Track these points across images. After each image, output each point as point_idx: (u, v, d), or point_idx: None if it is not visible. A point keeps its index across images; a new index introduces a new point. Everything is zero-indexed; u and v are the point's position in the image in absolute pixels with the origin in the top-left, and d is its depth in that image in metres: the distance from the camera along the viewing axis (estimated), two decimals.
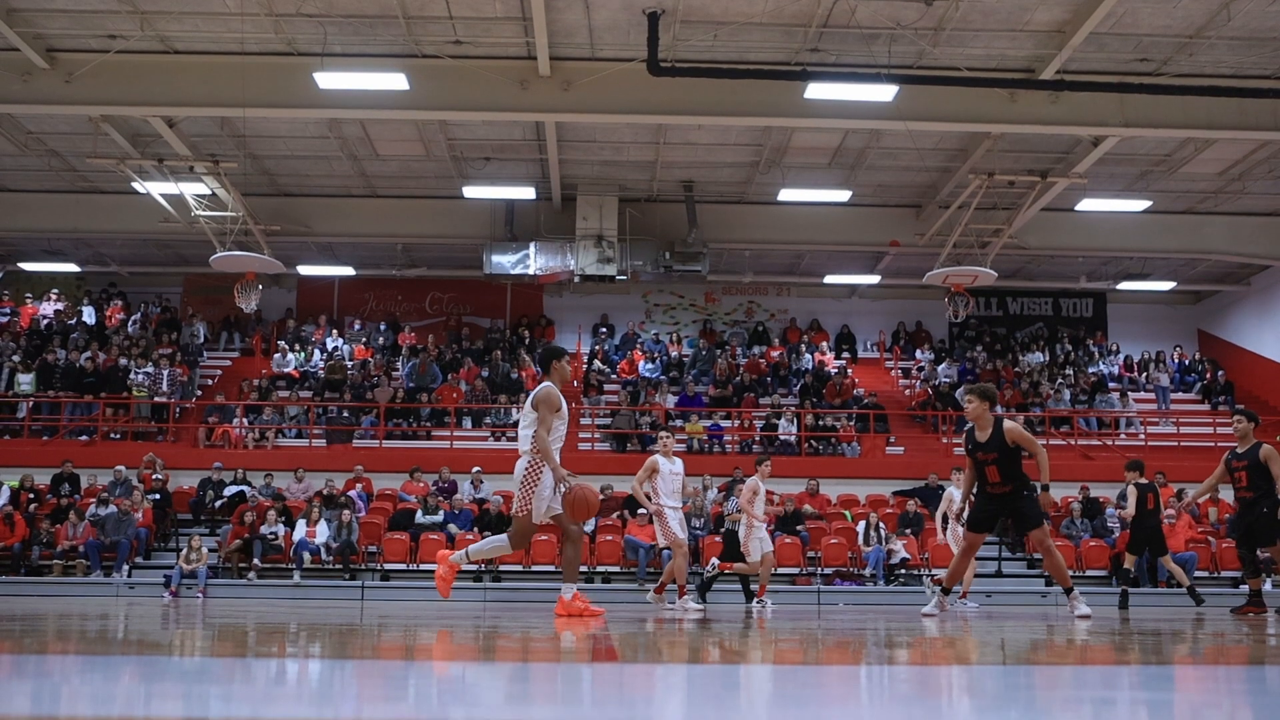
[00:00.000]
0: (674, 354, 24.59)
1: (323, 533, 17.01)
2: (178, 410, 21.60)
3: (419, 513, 17.89)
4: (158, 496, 18.14)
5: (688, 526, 17.32)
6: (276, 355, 23.65)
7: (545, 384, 7.78)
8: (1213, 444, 21.33)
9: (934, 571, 15.14)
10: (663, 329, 25.92)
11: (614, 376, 23.83)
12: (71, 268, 24.75)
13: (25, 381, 21.58)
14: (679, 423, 21.76)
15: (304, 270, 24.38)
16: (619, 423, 21.69)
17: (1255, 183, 20.07)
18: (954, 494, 13.50)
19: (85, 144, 18.05)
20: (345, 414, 21.66)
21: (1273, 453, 9.84)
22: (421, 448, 20.91)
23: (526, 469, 7.70)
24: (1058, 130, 17.04)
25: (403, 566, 17.19)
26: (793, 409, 22.21)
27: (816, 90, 15.55)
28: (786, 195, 20.77)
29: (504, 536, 7.84)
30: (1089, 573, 17.73)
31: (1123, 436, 23.05)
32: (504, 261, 21.13)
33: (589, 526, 17.94)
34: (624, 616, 8.05)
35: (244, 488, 18.58)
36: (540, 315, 26.04)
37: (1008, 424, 8.52)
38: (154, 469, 18.85)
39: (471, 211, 21.42)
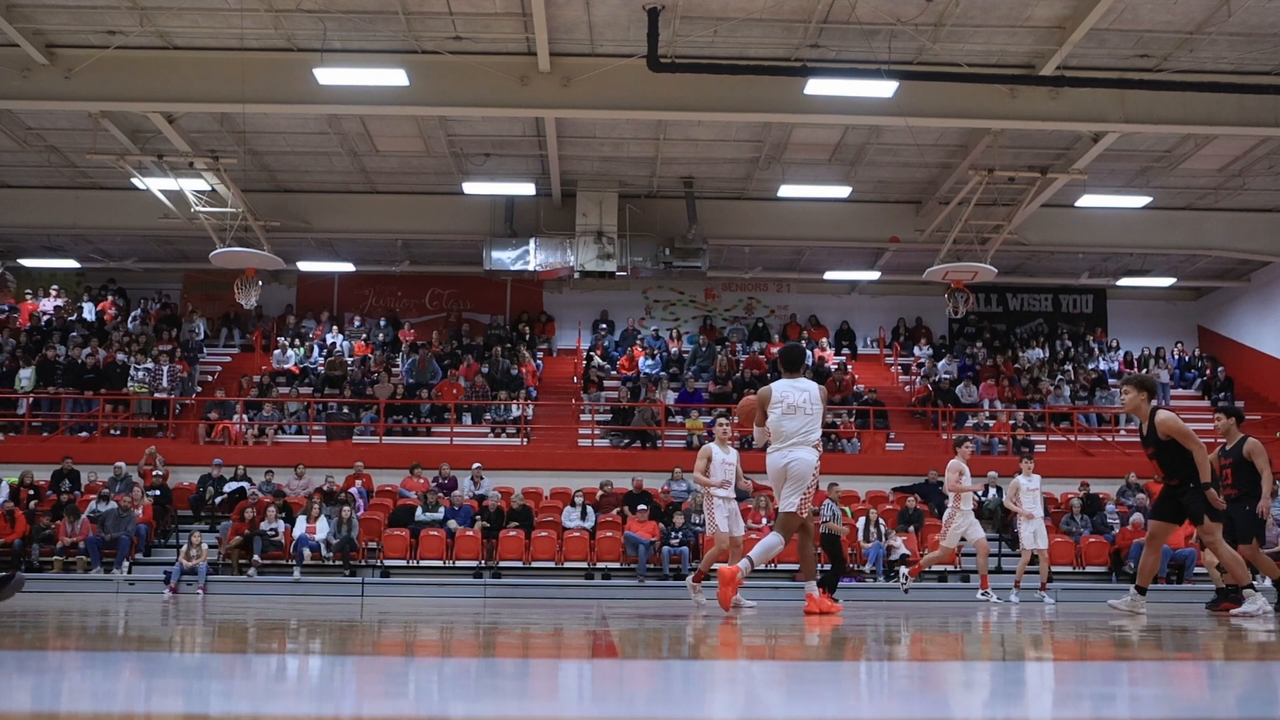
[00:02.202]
0: (674, 350, 24.58)
1: (323, 529, 17.02)
2: (178, 407, 21.60)
3: (419, 509, 17.90)
4: (158, 493, 18.14)
5: (687, 523, 17.49)
6: (276, 351, 23.65)
7: (816, 384, 7.94)
8: (1212, 440, 21.28)
9: (902, 570, 15.10)
10: (663, 325, 25.92)
11: (614, 373, 23.83)
12: (71, 264, 24.74)
13: (25, 377, 21.57)
14: (679, 419, 21.76)
15: (304, 266, 24.37)
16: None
17: (1255, 179, 20.06)
18: (1020, 482, 13.24)
19: (85, 140, 18.04)
20: (345, 410, 21.66)
21: (1257, 448, 9.62)
22: (421, 444, 20.91)
23: (816, 466, 7.80)
24: (1058, 126, 17.03)
25: (403, 563, 17.20)
26: None
27: (816, 86, 15.55)
28: (786, 191, 20.76)
29: (777, 535, 7.79)
30: (1089, 569, 17.76)
31: (1122, 433, 23.03)
32: (504, 258, 21.12)
33: (589, 521, 17.96)
34: (624, 613, 8.05)
35: (244, 484, 18.58)
36: (540, 311, 26.04)
37: (1160, 416, 8.18)
38: (155, 464, 18.86)
39: (471, 207, 21.41)
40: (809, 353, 8.52)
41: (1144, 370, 25.11)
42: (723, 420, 11.35)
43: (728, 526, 10.81)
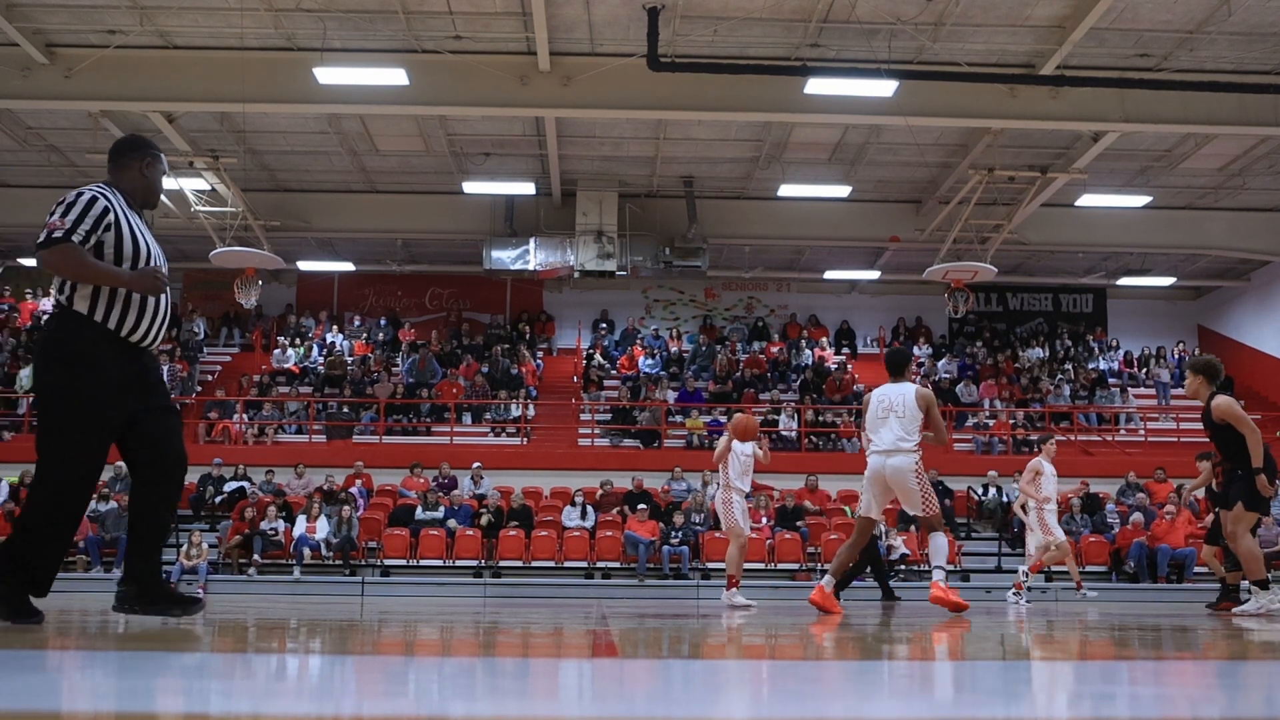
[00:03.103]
0: (674, 349, 24.58)
1: (323, 528, 17.02)
2: (178, 406, 21.59)
3: (419, 508, 17.90)
4: None
5: (687, 522, 17.49)
6: (276, 351, 23.65)
7: (915, 385, 7.98)
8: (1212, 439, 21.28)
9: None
10: (663, 325, 25.92)
11: (614, 372, 23.84)
12: None
13: (25, 376, 21.56)
14: (679, 419, 21.77)
15: (304, 266, 24.37)
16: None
17: (1255, 178, 20.06)
18: (1044, 465, 12.91)
19: (85, 139, 18.04)
20: (345, 410, 21.66)
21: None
22: (421, 443, 20.92)
23: (917, 467, 7.82)
24: (1058, 126, 17.03)
25: (403, 562, 17.21)
26: (792, 404, 22.21)
27: (816, 85, 15.55)
28: (786, 191, 20.75)
29: (938, 535, 8.00)
30: (1089, 568, 17.74)
31: (1123, 432, 23.05)
32: (504, 257, 21.12)
33: (589, 521, 17.96)
34: (624, 612, 8.05)
35: (244, 484, 18.58)
36: (540, 311, 26.04)
37: (1216, 400, 8.12)
38: None
39: (471, 207, 21.41)
40: (909, 353, 8.47)
41: (1144, 370, 25.12)
42: (739, 416, 11.24)
43: (745, 522, 10.75)
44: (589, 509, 18.10)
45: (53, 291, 4.45)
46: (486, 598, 15.08)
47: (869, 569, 14.61)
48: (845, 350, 25.39)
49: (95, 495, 17.30)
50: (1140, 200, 21.01)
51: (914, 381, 8.12)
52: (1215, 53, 15.37)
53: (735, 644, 4.30)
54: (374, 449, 20.62)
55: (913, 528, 17.92)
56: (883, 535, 17.38)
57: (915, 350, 25.54)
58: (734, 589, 10.65)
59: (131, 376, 4.48)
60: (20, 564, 4.37)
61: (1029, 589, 13.34)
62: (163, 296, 4.53)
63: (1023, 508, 13.20)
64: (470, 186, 20.53)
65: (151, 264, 4.49)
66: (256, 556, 16.77)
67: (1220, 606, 10.15)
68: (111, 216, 4.39)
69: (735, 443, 10.44)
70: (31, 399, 4.73)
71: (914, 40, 14.92)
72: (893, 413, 7.84)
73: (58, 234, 4.27)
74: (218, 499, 18.48)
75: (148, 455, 4.57)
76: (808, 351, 24.59)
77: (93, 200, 4.36)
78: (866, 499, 8.22)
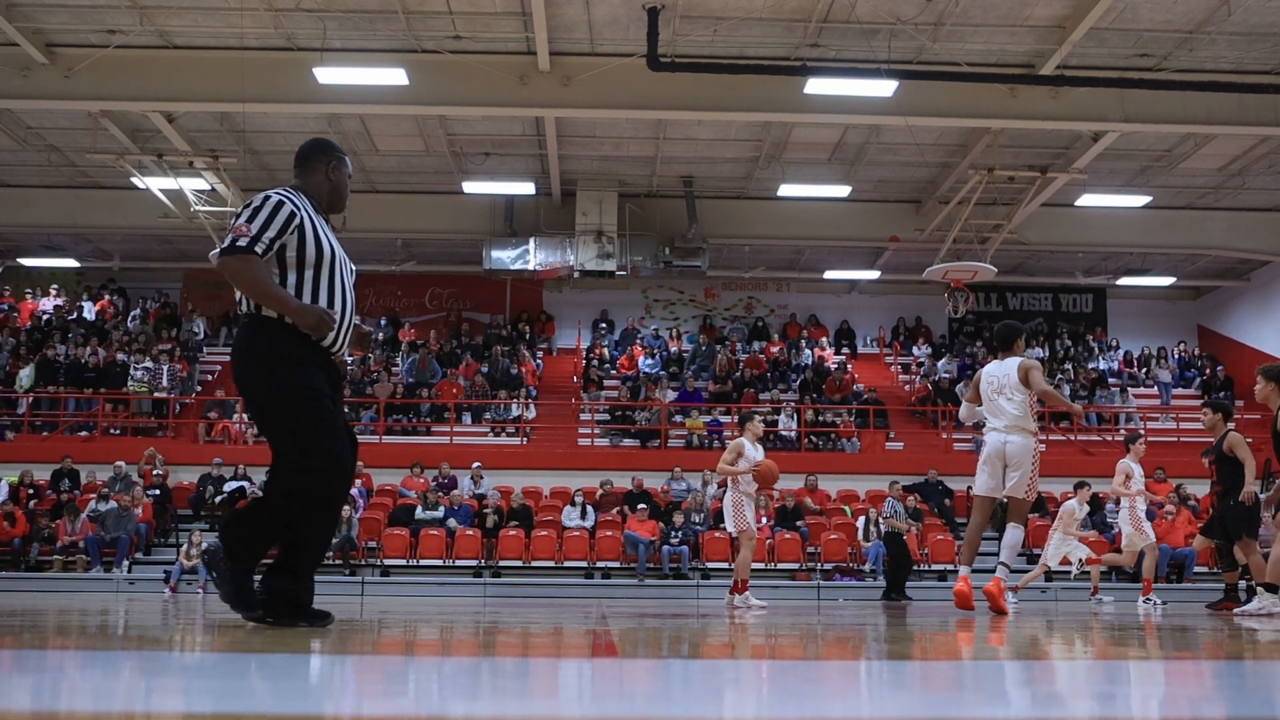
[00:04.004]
0: (674, 349, 24.58)
1: None
2: (177, 406, 21.61)
3: (419, 508, 17.90)
4: (158, 492, 18.14)
5: (687, 522, 17.49)
6: None
7: (1017, 358, 7.74)
8: (1212, 439, 21.29)
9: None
10: (662, 324, 25.92)
11: (614, 372, 23.84)
12: (71, 263, 24.74)
13: (24, 376, 21.57)
14: (679, 418, 21.77)
15: None
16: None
17: (1255, 178, 20.07)
18: (1132, 467, 12.74)
19: (85, 139, 18.04)
20: (345, 409, 21.65)
21: (1237, 440, 9.48)
22: (421, 443, 20.92)
23: (1035, 449, 7.65)
24: (1058, 126, 17.04)
25: (402, 562, 17.21)
26: (792, 404, 22.22)
27: (816, 85, 15.56)
28: (786, 190, 20.76)
29: (1017, 526, 7.78)
30: (1089, 568, 17.71)
31: (1122, 432, 23.03)
32: (504, 257, 21.12)
33: (589, 520, 17.96)
34: (624, 612, 8.05)
35: (244, 483, 18.57)
36: (540, 311, 26.04)
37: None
38: (154, 464, 18.86)
39: (471, 207, 21.41)
40: (1016, 330, 8.20)
41: (1144, 370, 25.14)
42: (757, 416, 11.19)
43: (754, 524, 10.73)
44: (589, 509, 18.10)
45: (240, 297, 4.38)
46: (486, 597, 15.08)
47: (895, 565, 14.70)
48: (845, 350, 25.39)
49: (95, 495, 17.40)
50: (1140, 200, 21.01)
51: (1020, 354, 7.84)
52: (1215, 53, 15.38)
53: (735, 644, 4.30)
54: (374, 449, 20.59)
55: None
56: (883, 535, 17.39)
57: (915, 350, 25.56)
58: (746, 592, 10.61)
59: (331, 382, 4.47)
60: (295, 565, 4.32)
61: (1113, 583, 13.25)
62: (349, 306, 4.49)
63: (1116, 501, 13.26)
64: (470, 186, 20.53)
65: (336, 270, 4.45)
66: None
67: (1220, 606, 10.16)
68: (297, 221, 4.33)
69: (748, 447, 10.46)
70: (261, 408, 4.41)
71: (914, 40, 14.92)
72: (1002, 393, 7.70)
73: (242, 242, 4.22)
74: (218, 499, 18.47)
75: None
76: (808, 351, 24.59)
77: (279, 205, 4.32)
78: (983, 477, 7.93)
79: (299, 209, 4.36)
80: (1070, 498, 13.49)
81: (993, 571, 7.95)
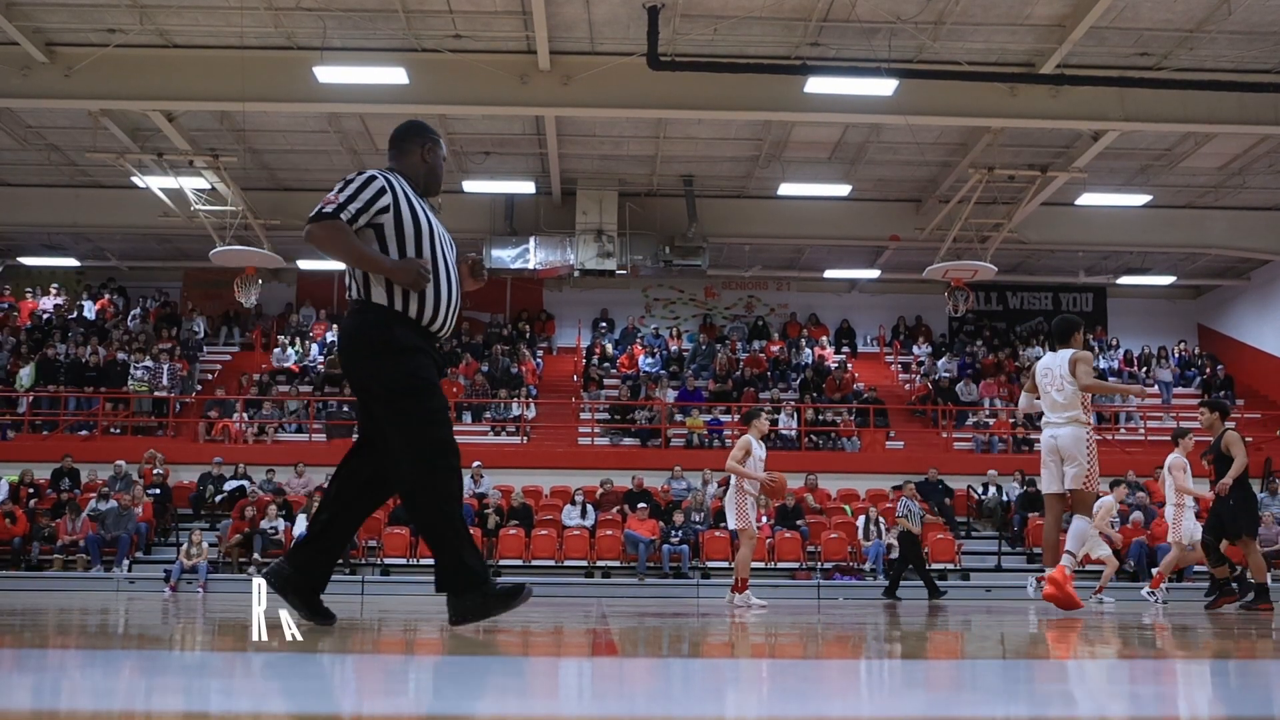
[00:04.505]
0: (674, 349, 24.58)
1: None
2: (178, 405, 21.61)
3: None
4: (158, 491, 18.14)
5: (687, 521, 17.49)
6: (276, 350, 23.65)
7: (1070, 350, 7.77)
8: (1212, 438, 21.30)
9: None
10: (662, 324, 25.91)
11: (614, 371, 23.84)
12: (71, 262, 24.74)
13: (25, 375, 21.57)
14: (679, 418, 21.76)
15: (303, 265, 24.36)
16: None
17: (1255, 177, 20.06)
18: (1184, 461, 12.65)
19: (85, 138, 18.04)
20: (345, 409, 21.66)
21: (1234, 438, 9.48)
22: None
23: (1088, 438, 7.61)
24: (1058, 125, 17.04)
25: (403, 561, 17.20)
26: (792, 404, 22.22)
27: (816, 85, 15.55)
28: (786, 190, 20.75)
29: (1082, 518, 7.71)
30: (1089, 568, 17.71)
31: (1122, 431, 23.05)
32: (504, 256, 21.11)
33: (589, 520, 17.96)
34: (624, 611, 8.05)
35: (244, 483, 18.58)
36: (540, 310, 26.04)
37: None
38: (154, 464, 18.86)
39: (471, 206, 21.40)
40: (1072, 324, 8.15)
41: (1145, 370, 25.13)
42: (764, 413, 11.14)
43: (755, 522, 10.72)
44: (589, 508, 18.10)
45: (350, 286, 4.32)
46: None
47: (909, 565, 14.72)
48: (845, 349, 25.39)
49: (95, 494, 17.39)
50: (1140, 199, 21.00)
51: (1078, 348, 7.84)
52: (1215, 52, 15.37)
53: (735, 643, 4.30)
54: None
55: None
56: (882, 535, 17.40)
57: (916, 349, 25.56)
58: (746, 591, 10.60)
59: (440, 370, 4.42)
60: (465, 560, 4.24)
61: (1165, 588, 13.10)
62: (454, 284, 4.42)
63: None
64: (470, 185, 20.53)
65: (435, 245, 4.36)
66: (256, 555, 16.76)
67: (1217, 604, 10.14)
68: (389, 199, 4.25)
69: (755, 445, 10.45)
70: (379, 397, 4.29)
71: (914, 39, 14.92)
72: (1054, 385, 7.74)
73: (328, 209, 4.17)
74: (218, 498, 18.49)
75: (382, 476, 4.46)
76: (808, 350, 24.59)
77: (369, 180, 4.26)
78: (1045, 476, 7.94)
79: (392, 186, 4.30)
80: (1107, 494, 13.37)
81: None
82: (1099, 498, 7.57)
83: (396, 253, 4.27)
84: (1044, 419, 7.90)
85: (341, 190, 4.23)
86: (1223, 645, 4.38)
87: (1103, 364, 25.10)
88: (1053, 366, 7.80)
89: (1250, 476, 11.37)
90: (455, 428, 18.32)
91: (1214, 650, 4.09)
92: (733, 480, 10.66)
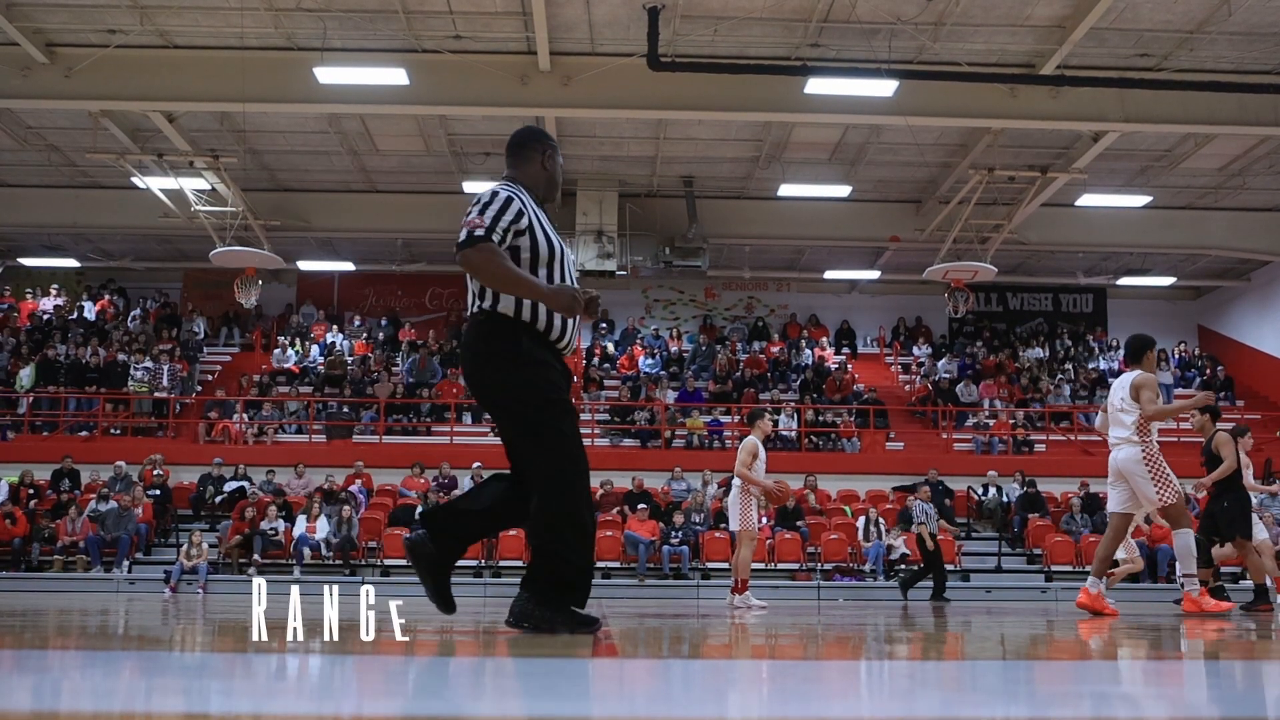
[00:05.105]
0: (674, 349, 24.58)
1: (323, 528, 17.02)
2: (178, 406, 21.61)
3: (419, 508, 17.88)
4: (158, 492, 18.14)
5: (687, 522, 17.49)
6: (276, 351, 23.66)
7: (1139, 371, 7.75)
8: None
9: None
10: (663, 324, 25.92)
11: (614, 372, 23.83)
12: (71, 263, 24.74)
13: (25, 376, 21.57)
14: (679, 419, 21.76)
15: (304, 265, 24.38)
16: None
17: (1256, 178, 20.07)
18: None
19: (85, 139, 18.04)
20: (345, 409, 21.67)
21: (1223, 439, 9.48)
22: (422, 443, 20.91)
23: (1143, 456, 7.59)
24: (1058, 125, 17.04)
25: (403, 562, 17.18)
26: (793, 404, 22.22)
27: (817, 85, 15.55)
28: (787, 190, 20.76)
29: (1182, 530, 7.63)
30: (1089, 568, 17.71)
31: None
32: None
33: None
34: (624, 612, 8.05)
35: (244, 483, 18.58)
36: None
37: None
38: (155, 467, 18.84)
39: None
40: (1143, 341, 8.16)
41: None
42: (767, 414, 11.11)
43: (755, 523, 10.70)
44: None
45: (473, 298, 4.25)
46: (487, 597, 15.07)
47: (929, 570, 14.74)
48: (845, 350, 25.39)
49: (95, 495, 17.39)
50: (1140, 200, 21.01)
51: (1147, 368, 7.81)
52: (1215, 53, 15.37)
53: (735, 644, 4.30)
54: (374, 449, 20.62)
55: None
56: (882, 536, 17.40)
57: (916, 350, 25.56)
58: (746, 592, 10.58)
59: (566, 384, 4.34)
60: (558, 574, 4.20)
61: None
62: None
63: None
64: (470, 186, 20.53)
65: (564, 265, 4.31)
66: (256, 556, 16.76)
67: (1260, 608, 10.09)
68: (526, 220, 4.20)
69: (760, 447, 10.46)
70: (505, 410, 4.23)
71: (914, 40, 14.92)
72: (1116, 407, 7.76)
73: (479, 232, 4.08)
74: (218, 499, 18.48)
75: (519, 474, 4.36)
76: (808, 351, 24.60)
77: (508, 200, 4.18)
78: (1110, 494, 7.98)
79: (526, 206, 4.24)
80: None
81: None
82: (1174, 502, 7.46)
83: (530, 274, 4.20)
84: (1110, 440, 7.90)
85: (483, 212, 4.13)
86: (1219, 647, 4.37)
87: (1103, 365, 25.12)
88: (1119, 386, 7.82)
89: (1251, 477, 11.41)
90: (456, 428, 18.21)
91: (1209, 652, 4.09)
92: (735, 482, 10.65)
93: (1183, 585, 7.91)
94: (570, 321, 4.32)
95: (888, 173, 20.27)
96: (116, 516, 16.93)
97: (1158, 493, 7.57)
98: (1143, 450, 7.61)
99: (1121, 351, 8.40)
